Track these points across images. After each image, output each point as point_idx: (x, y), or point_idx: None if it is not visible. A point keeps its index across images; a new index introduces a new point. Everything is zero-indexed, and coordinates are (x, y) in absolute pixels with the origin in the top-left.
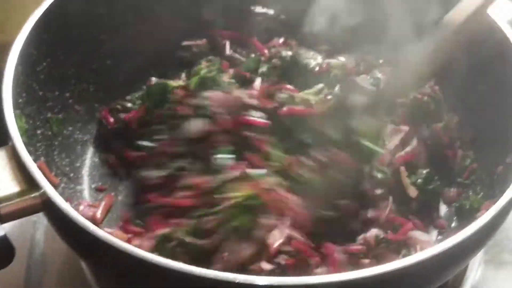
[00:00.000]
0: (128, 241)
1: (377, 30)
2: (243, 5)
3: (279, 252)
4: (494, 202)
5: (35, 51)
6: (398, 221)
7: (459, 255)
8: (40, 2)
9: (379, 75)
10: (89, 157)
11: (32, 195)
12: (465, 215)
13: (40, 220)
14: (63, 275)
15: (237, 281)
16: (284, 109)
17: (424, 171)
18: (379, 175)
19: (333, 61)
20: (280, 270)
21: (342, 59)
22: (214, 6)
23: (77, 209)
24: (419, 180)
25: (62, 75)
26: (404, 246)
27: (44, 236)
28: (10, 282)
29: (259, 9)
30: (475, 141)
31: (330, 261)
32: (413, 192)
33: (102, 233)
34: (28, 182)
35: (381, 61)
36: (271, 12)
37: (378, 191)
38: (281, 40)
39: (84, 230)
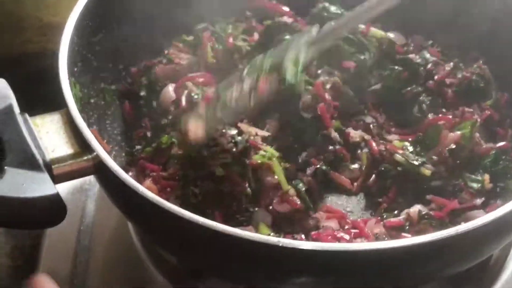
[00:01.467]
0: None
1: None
2: None
3: None
4: None
5: (90, 23)
6: (441, 201)
7: (500, 230)
8: None
9: (428, 55)
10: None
11: (85, 157)
12: (509, 196)
13: (92, 188)
14: (111, 241)
15: (281, 244)
16: None
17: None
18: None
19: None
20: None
21: (391, 35)
22: None
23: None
24: (487, 162)
25: (116, 48)
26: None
27: (95, 205)
28: (62, 246)
29: None
30: None
31: (363, 235)
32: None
33: (151, 195)
34: (82, 145)
35: (430, 42)
36: None
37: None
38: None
39: (135, 191)
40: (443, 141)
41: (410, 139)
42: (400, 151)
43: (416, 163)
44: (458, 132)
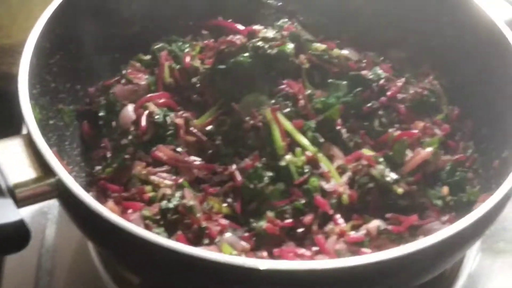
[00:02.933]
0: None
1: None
2: None
3: None
4: (491, 195)
5: (48, 44)
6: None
7: (456, 245)
8: (45, 5)
9: (380, 71)
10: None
11: (48, 181)
12: (462, 208)
13: (52, 211)
14: (73, 263)
15: (245, 265)
16: None
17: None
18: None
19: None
20: None
21: (345, 52)
22: None
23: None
24: (444, 174)
25: (73, 68)
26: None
27: (56, 227)
28: (23, 270)
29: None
30: (474, 133)
31: (324, 251)
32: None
33: (116, 218)
34: (44, 169)
35: (381, 58)
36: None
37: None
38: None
39: (99, 215)
40: (415, 158)
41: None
42: (376, 165)
43: (389, 179)
44: (430, 149)
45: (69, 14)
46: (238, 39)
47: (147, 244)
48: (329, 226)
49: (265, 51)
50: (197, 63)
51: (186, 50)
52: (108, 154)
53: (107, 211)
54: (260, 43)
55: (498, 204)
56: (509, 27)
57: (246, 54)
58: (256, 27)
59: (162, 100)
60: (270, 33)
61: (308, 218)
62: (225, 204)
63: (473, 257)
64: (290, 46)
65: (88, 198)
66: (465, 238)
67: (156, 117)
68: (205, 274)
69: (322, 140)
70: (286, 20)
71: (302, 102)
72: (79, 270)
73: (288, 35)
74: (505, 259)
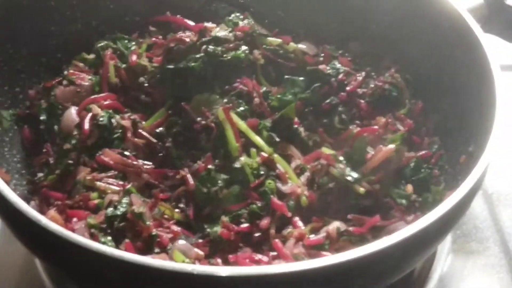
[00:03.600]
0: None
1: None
2: None
3: None
4: None
5: None
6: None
7: (420, 244)
8: None
9: (338, 65)
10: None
11: None
12: (428, 208)
13: None
14: (18, 279)
15: (195, 272)
16: None
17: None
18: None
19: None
20: None
21: (302, 46)
22: None
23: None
24: (407, 171)
25: (11, 69)
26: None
27: None
28: None
29: None
30: (440, 128)
31: (281, 255)
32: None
33: (55, 227)
34: None
35: (340, 51)
36: None
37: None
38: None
39: (37, 224)
40: (376, 156)
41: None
42: (336, 164)
43: (350, 179)
44: (392, 146)
45: (5, 11)
46: (188, 36)
47: (92, 254)
48: (288, 230)
49: (218, 57)
50: (144, 61)
51: (133, 48)
52: (51, 160)
53: (47, 221)
54: (211, 47)
55: (462, 200)
56: (472, 15)
57: (198, 56)
58: (207, 24)
59: (107, 102)
60: (222, 32)
61: (264, 222)
62: (177, 210)
63: (444, 259)
64: (244, 50)
65: (25, 206)
66: (430, 237)
67: (101, 119)
68: (156, 284)
69: (278, 139)
70: (239, 14)
71: (256, 100)
72: (25, 285)
73: (242, 37)
74: (476, 260)
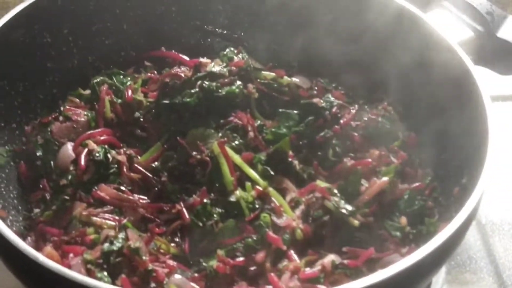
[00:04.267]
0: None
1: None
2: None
3: None
4: None
5: None
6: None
7: (415, 276)
8: None
9: (332, 98)
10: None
11: None
12: (423, 240)
13: None
14: None
15: None
16: None
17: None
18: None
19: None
20: None
21: (296, 79)
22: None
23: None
24: (401, 204)
25: (7, 105)
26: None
27: None
28: None
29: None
30: (433, 160)
31: None
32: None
33: (52, 264)
34: None
35: (333, 85)
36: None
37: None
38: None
39: (34, 261)
40: (370, 189)
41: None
42: (331, 197)
43: (345, 212)
44: (386, 178)
45: (1, 48)
46: (183, 72)
47: None
48: (283, 263)
49: (213, 92)
50: (140, 96)
51: (128, 83)
52: (47, 196)
53: (44, 258)
54: (207, 83)
55: (457, 232)
56: (462, 48)
57: (193, 91)
58: (202, 60)
59: (103, 137)
60: (217, 67)
61: (260, 256)
62: (172, 244)
63: None
64: (238, 85)
65: (22, 244)
66: (425, 269)
67: (97, 155)
68: None
69: (273, 173)
70: (233, 48)
71: (251, 133)
72: None
73: (237, 72)
74: None
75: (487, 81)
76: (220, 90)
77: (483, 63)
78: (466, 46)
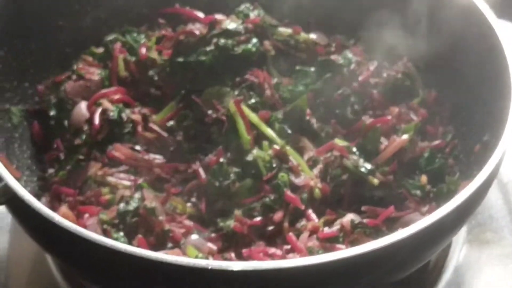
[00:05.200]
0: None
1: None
2: None
3: None
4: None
5: None
6: (375, 210)
7: (436, 235)
8: None
9: (350, 55)
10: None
11: None
12: (443, 198)
13: (4, 218)
14: (29, 275)
15: (210, 267)
16: None
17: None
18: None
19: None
20: None
21: (313, 36)
22: None
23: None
24: (422, 162)
25: (20, 64)
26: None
27: (9, 236)
28: None
29: None
30: (454, 117)
31: (295, 249)
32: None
33: (68, 224)
34: None
35: (352, 41)
36: None
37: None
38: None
39: (50, 221)
40: (390, 147)
41: (352, 145)
42: (349, 156)
43: (364, 170)
44: (406, 136)
45: (12, 6)
46: (198, 29)
47: (105, 251)
48: (301, 223)
49: (228, 51)
50: (154, 54)
51: (142, 41)
52: (61, 156)
53: (59, 217)
54: (222, 41)
55: (478, 190)
56: (485, 1)
57: (208, 49)
58: (218, 16)
59: (117, 96)
60: (233, 24)
61: (278, 215)
62: (189, 204)
63: (459, 249)
64: (254, 43)
65: (37, 203)
66: (445, 228)
67: (111, 114)
68: (170, 280)
69: (290, 131)
70: (248, 5)
71: (268, 92)
72: (37, 282)
73: (253, 29)
74: (492, 250)
75: (510, 36)
76: (235, 48)
77: (506, 17)
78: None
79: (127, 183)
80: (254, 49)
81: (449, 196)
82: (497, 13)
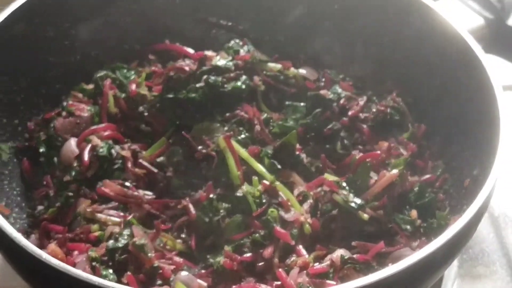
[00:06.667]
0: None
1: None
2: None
3: None
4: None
5: None
6: (366, 246)
7: (426, 271)
8: None
9: (340, 90)
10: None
11: None
12: (434, 233)
13: None
14: None
15: None
16: None
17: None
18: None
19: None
20: None
21: (302, 71)
22: None
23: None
24: (412, 197)
25: (10, 101)
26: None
27: None
28: None
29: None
30: (443, 151)
31: (285, 285)
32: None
33: (56, 262)
34: None
35: (341, 76)
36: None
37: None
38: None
39: (38, 259)
40: (380, 181)
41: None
42: (339, 191)
43: (354, 205)
44: (395, 171)
45: (2, 43)
46: (187, 65)
47: None
48: (291, 258)
49: (218, 88)
50: (144, 90)
51: (132, 77)
52: (51, 193)
53: (47, 255)
54: (212, 78)
55: (469, 224)
56: (472, 35)
57: (198, 86)
58: (208, 53)
59: (107, 132)
60: (222, 61)
61: (268, 251)
62: (179, 241)
63: (450, 284)
64: (244, 80)
65: (25, 241)
66: (436, 263)
67: (101, 150)
68: None
69: (280, 166)
70: (238, 40)
71: (257, 127)
72: None
73: (243, 66)
74: (484, 285)
75: (498, 70)
76: (225, 86)
77: (493, 51)
78: (476, 34)
79: (117, 219)
80: (243, 86)
81: (439, 231)
82: (484, 47)
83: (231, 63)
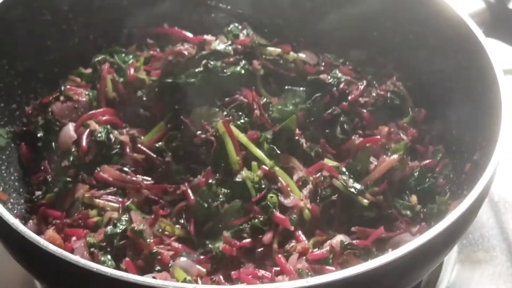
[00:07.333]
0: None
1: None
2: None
3: None
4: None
5: None
6: (366, 231)
7: (427, 256)
8: None
9: (339, 74)
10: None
11: None
12: (434, 218)
13: None
14: None
15: None
16: None
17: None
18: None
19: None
20: None
21: (302, 55)
22: None
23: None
24: (412, 182)
25: (7, 85)
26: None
27: None
28: None
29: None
30: (444, 136)
31: (285, 271)
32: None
33: (53, 248)
34: None
35: (341, 60)
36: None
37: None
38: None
39: (36, 245)
40: (380, 166)
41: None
42: (339, 176)
43: (354, 190)
44: (395, 156)
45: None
46: (186, 49)
47: (93, 275)
48: (291, 244)
49: (217, 73)
50: (142, 75)
51: (130, 61)
52: (49, 178)
53: (45, 241)
54: (211, 63)
55: (469, 210)
56: (473, 19)
57: (197, 70)
58: (207, 37)
59: (105, 117)
60: (222, 45)
61: (267, 237)
62: (177, 226)
63: (450, 269)
64: (243, 65)
65: (22, 227)
66: (436, 248)
67: (99, 135)
68: None
69: (279, 152)
70: (237, 24)
71: (257, 112)
72: None
73: (242, 50)
74: (484, 270)
75: (499, 54)
76: (225, 70)
77: (494, 35)
78: (477, 18)
79: (115, 205)
80: (243, 71)
81: (439, 216)
82: (485, 31)
83: (230, 48)
